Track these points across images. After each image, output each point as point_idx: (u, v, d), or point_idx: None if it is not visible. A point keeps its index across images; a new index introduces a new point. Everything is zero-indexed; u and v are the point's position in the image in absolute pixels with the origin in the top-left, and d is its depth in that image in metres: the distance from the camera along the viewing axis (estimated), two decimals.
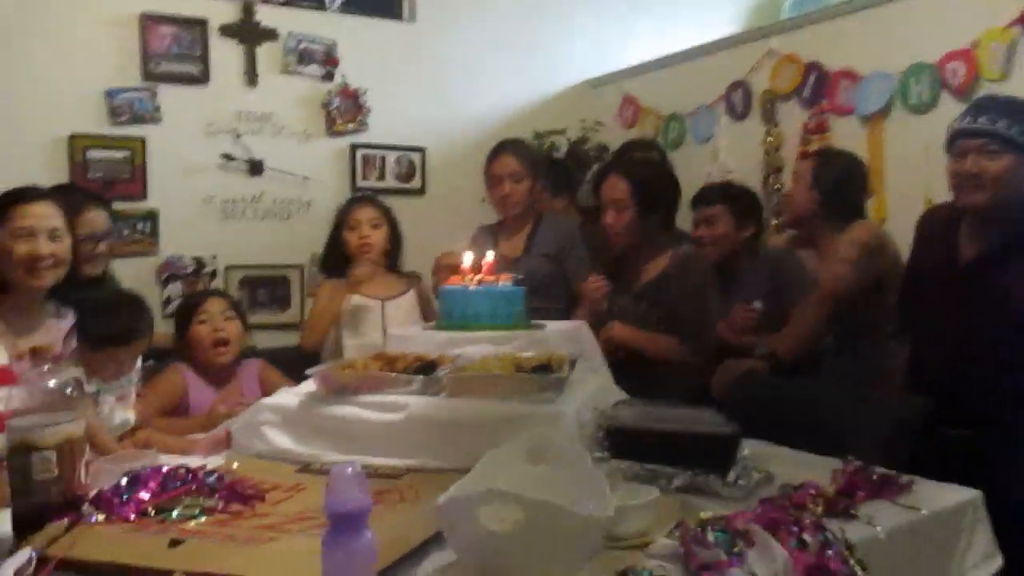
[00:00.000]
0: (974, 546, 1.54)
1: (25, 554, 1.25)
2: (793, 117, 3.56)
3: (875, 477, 1.57)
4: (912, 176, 2.97)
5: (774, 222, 3.51)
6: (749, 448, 1.70)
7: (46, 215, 2.08)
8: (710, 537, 1.26)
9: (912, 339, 2.32)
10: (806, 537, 1.31)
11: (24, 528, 1.36)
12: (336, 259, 2.89)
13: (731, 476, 1.56)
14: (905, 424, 1.96)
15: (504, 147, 3.12)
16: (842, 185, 2.66)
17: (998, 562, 1.55)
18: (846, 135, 3.30)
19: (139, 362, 2.21)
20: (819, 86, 3.43)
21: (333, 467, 1.00)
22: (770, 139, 3.63)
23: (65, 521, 1.33)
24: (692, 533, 1.26)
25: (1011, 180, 2.02)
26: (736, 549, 1.25)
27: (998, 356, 2.05)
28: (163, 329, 3.02)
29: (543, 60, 4.57)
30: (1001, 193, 2.02)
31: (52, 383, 1.44)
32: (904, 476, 1.59)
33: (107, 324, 2.06)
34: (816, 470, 1.61)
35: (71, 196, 2.62)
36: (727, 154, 3.86)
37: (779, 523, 1.33)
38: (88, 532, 1.30)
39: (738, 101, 3.81)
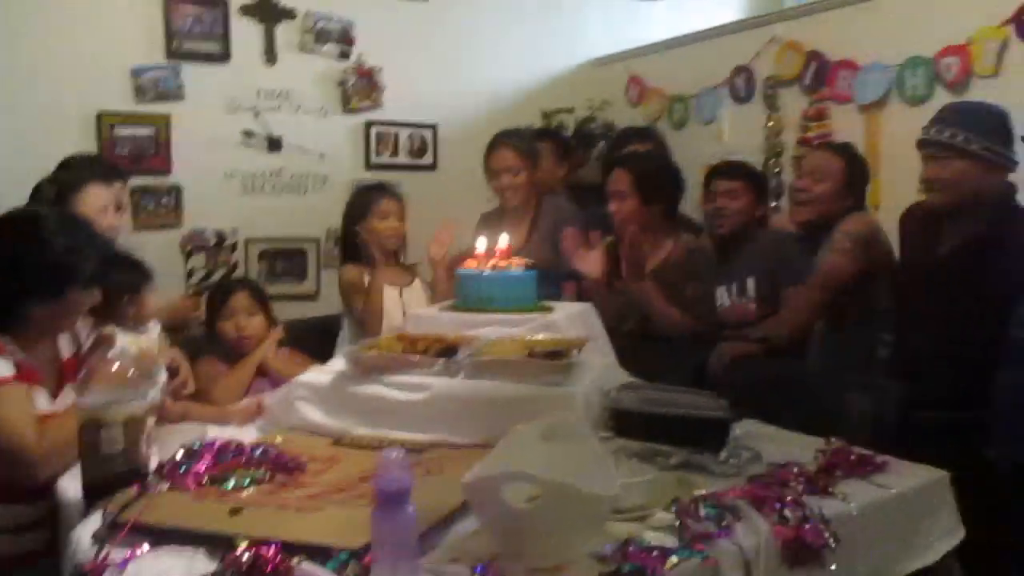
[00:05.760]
0: (938, 522, 1.67)
1: (99, 518, 1.43)
2: (794, 103, 3.66)
3: (853, 457, 1.70)
4: (907, 165, 3.05)
5: (773, 203, 3.63)
6: (740, 428, 1.85)
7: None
8: (702, 511, 1.43)
9: (895, 326, 2.49)
10: (787, 512, 1.46)
11: (94, 496, 1.52)
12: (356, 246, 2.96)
13: (723, 455, 1.71)
14: (885, 407, 2.12)
15: (500, 140, 3.19)
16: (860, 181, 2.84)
17: (960, 535, 1.68)
18: (845, 123, 3.41)
19: (158, 326, 2.38)
20: (820, 74, 3.52)
21: (383, 451, 1.16)
22: (771, 124, 3.74)
23: (134, 489, 1.49)
24: (687, 508, 1.43)
25: (964, 184, 2.25)
26: (724, 523, 1.41)
27: (968, 344, 2.21)
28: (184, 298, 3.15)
29: (553, 39, 4.63)
30: (957, 195, 2.27)
31: (115, 367, 1.60)
32: (880, 457, 1.72)
33: (124, 272, 2.17)
34: (801, 448, 1.76)
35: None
36: (730, 137, 3.96)
37: (763, 499, 1.50)
38: (156, 499, 1.45)
39: (742, 85, 3.91)
